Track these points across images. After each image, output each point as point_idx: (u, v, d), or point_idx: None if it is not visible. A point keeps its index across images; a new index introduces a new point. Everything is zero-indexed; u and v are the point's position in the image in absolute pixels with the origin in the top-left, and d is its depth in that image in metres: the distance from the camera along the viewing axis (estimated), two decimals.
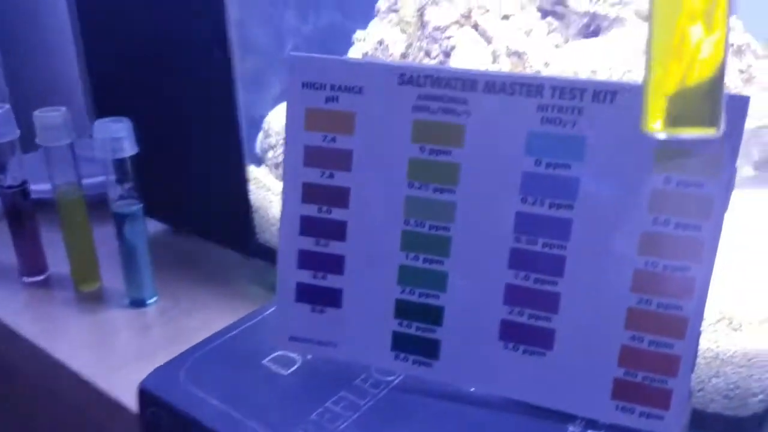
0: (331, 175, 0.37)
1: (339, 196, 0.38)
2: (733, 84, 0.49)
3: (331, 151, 0.37)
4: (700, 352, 0.38)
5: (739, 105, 0.30)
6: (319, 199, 0.38)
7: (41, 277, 0.65)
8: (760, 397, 0.38)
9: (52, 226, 0.62)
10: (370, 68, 0.35)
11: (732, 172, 0.31)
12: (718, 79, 0.24)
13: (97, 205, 0.61)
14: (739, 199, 0.33)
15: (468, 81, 0.34)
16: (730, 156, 0.30)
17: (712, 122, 0.24)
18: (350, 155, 0.37)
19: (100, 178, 0.56)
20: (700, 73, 0.24)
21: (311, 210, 0.38)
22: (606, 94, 0.32)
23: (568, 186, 0.33)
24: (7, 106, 0.59)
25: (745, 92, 0.49)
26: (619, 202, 0.33)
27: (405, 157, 0.36)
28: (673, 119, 0.24)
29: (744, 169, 0.48)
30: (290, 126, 0.37)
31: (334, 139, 0.37)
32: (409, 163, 0.36)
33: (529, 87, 0.33)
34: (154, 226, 0.68)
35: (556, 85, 0.33)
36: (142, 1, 0.59)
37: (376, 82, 0.35)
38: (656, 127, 0.25)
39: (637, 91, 0.32)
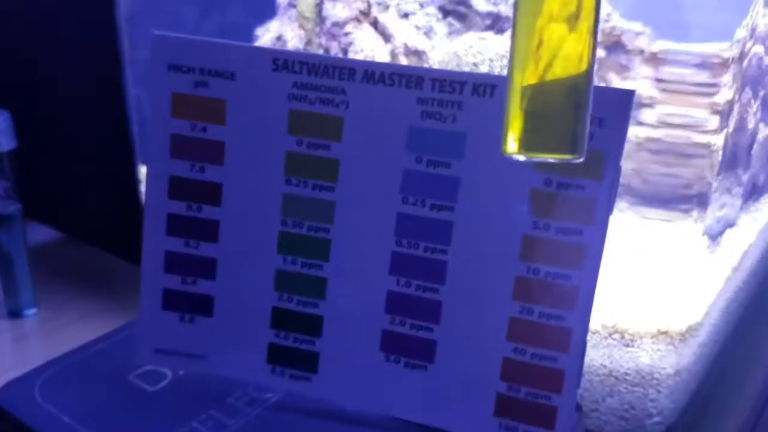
0: (202, 169, 0.34)
1: (210, 192, 0.34)
2: (647, 93, 0.48)
3: (200, 142, 0.34)
4: (593, 369, 0.36)
5: (623, 99, 0.28)
6: (188, 195, 0.34)
7: None
8: (657, 419, 0.36)
9: None
10: (242, 52, 0.32)
11: (616, 173, 0.29)
12: (581, 97, 0.22)
13: None
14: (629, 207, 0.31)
15: (346, 70, 0.31)
16: (614, 155, 0.29)
17: (573, 148, 0.21)
18: (222, 147, 0.34)
19: None
20: (560, 91, 0.21)
21: (179, 207, 0.35)
22: (485, 87, 0.30)
23: (449, 186, 0.31)
24: None
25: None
26: (498, 204, 0.30)
27: (281, 151, 0.33)
28: (529, 142, 0.22)
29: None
30: (155, 113, 0.34)
31: (204, 129, 0.34)
32: (286, 156, 0.33)
33: (409, 78, 0.31)
34: (36, 230, 0.63)
35: (436, 77, 0.30)
36: None
37: (249, 66, 0.32)
38: (512, 149, 0.22)
39: None
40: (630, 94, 0.28)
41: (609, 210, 0.29)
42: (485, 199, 0.31)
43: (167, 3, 0.57)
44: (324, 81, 0.32)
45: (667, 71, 0.41)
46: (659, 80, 0.49)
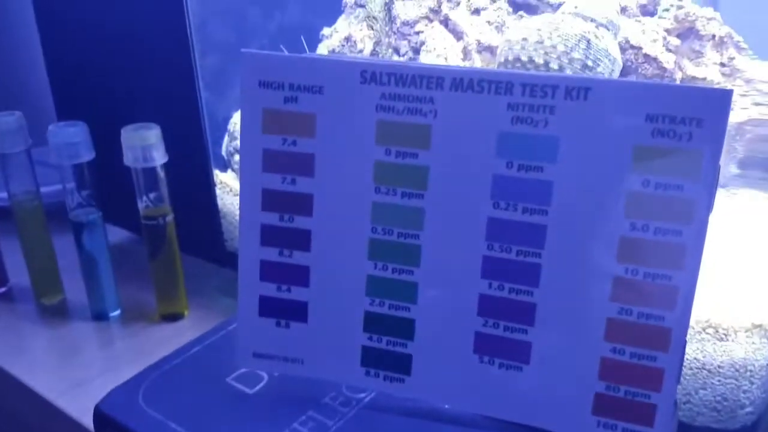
0: (293, 181, 0.35)
1: (302, 203, 0.35)
2: (715, 79, 0.47)
3: (291, 155, 0.35)
4: (685, 363, 0.36)
5: (721, 99, 0.28)
6: (281, 207, 0.35)
7: (2, 290, 0.62)
8: (749, 409, 0.36)
9: (11, 235, 0.60)
10: (330, 66, 0.33)
11: (715, 172, 0.29)
12: None
13: (58, 213, 0.58)
14: (725, 199, 0.31)
15: (434, 78, 0.32)
16: (712, 155, 0.28)
17: None
18: (312, 159, 0.34)
19: (59, 186, 0.54)
20: None
21: (272, 218, 0.36)
22: (579, 90, 0.30)
23: (542, 190, 0.31)
24: None
25: (727, 86, 0.48)
26: (595, 207, 0.30)
27: (370, 161, 0.34)
28: None
29: (729, 167, 0.46)
30: (246, 128, 0.35)
31: (294, 143, 0.34)
32: (375, 166, 0.34)
33: (498, 84, 0.31)
34: (117, 234, 0.65)
35: (527, 82, 0.30)
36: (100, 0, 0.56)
37: (337, 80, 0.33)
38: None
39: (611, 87, 0.30)
40: (728, 94, 0.28)
41: (709, 209, 0.29)
42: (580, 202, 0.31)
43: (233, 4, 0.58)
44: (412, 91, 0.32)
45: None
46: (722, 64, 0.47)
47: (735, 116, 0.45)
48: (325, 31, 0.57)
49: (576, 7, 0.40)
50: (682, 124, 0.28)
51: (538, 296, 0.32)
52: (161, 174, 0.50)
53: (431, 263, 0.34)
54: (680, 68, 0.49)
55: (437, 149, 0.33)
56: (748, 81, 0.47)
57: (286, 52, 0.50)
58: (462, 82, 0.31)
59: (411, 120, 0.33)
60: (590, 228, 0.31)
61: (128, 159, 0.49)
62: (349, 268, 0.35)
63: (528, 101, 0.30)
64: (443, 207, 0.33)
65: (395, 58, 0.50)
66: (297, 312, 0.37)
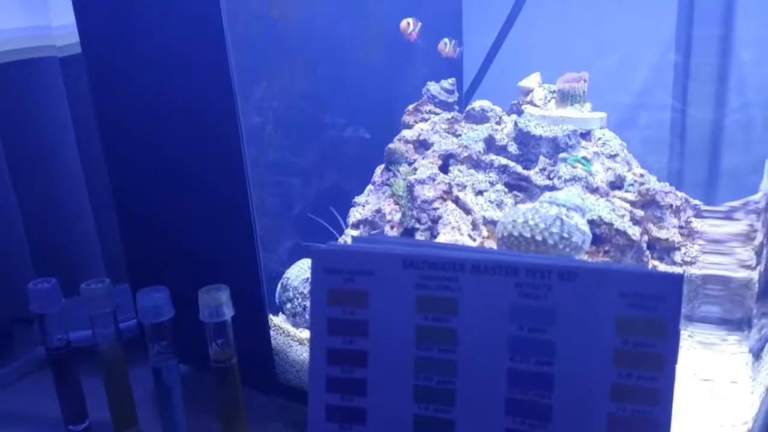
0: (351, 341, 0.45)
1: (359, 358, 0.45)
2: (676, 239, 0.58)
3: (350, 322, 0.44)
4: None
5: (675, 281, 0.38)
6: (342, 362, 0.45)
7: (83, 425, 0.71)
8: None
9: (91, 372, 0.68)
10: (379, 256, 0.44)
11: (677, 334, 0.38)
12: None
13: (132, 346, 0.67)
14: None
15: (458, 264, 0.42)
16: (674, 321, 0.38)
17: None
18: (366, 324, 0.44)
19: (133, 321, 0.63)
20: None
21: (335, 371, 0.45)
22: (569, 274, 0.40)
23: (547, 346, 0.41)
24: (54, 280, 0.66)
25: (688, 246, 0.58)
26: (590, 360, 0.40)
27: (412, 325, 0.44)
28: None
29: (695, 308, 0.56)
30: (315, 302, 0.45)
31: (352, 312, 0.44)
32: (416, 329, 0.44)
33: (507, 268, 0.41)
34: (185, 370, 0.74)
35: (529, 267, 0.41)
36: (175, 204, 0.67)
37: (384, 266, 0.43)
38: None
39: (595, 273, 0.40)
40: (680, 276, 0.38)
41: (675, 360, 0.38)
42: (578, 356, 0.40)
43: (280, 178, 0.70)
44: (442, 272, 0.43)
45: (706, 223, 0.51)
46: (697, 232, 0.58)
47: (698, 270, 0.56)
48: (358, 199, 0.69)
49: (550, 197, 0.52)
50: (649, 299, 0.38)
51: (551, 430, 0.41)
52: (229, 324, 0.60)
53: (464, 404, 0.43)
54: (646, 232, 0.60)
55: (464, 315, 0.43)
56: (705, 239, 0.57)
57: (325, 224, 0.61)
58: (479, 266, 0.42)
59: (442, 294, 0.43)
60: (587, 375, 0.40)
61: (204, 315, 0.59)
62: (398, 411, 0.44)
63: (531, 281, 0.41)
64: (472, 359, 0.43)
65: (417, 225, 0.61)
66: None
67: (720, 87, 0.83)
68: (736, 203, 0.51)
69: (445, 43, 0.86)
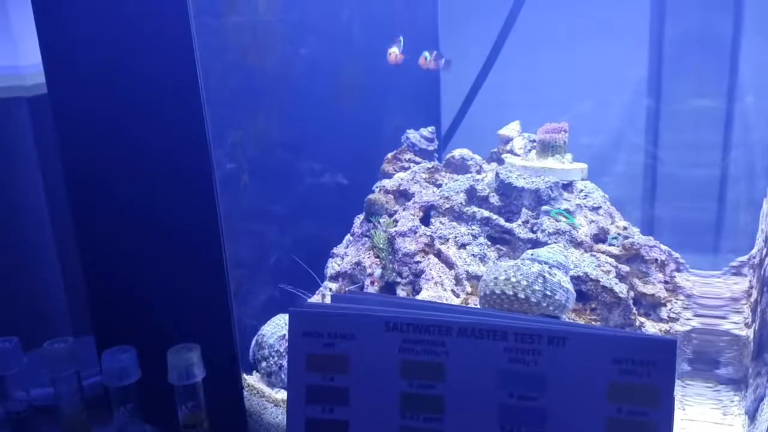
0: (331, 410, 0.42)
1: (338, 429, 0.42)
2: (662, 295, 0.57)
3: (330, 389, 0.42)
4: None
5: (669, 346, 0.36)
6: (321, 430, 0.42)
7: None
8: None
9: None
10: (360, 319, 0.41)
11: (671, 401, 0.36)
12: None
13: (96, 402, 0.63)
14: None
15: (444, 327, 0.40)
16: (667, 388, 0.36)
17: None
18: (347, 392, 0.42)
19: (97, 378, 0.59)
20: None
21: None
22: (558, 339, 0.38)
23: (538, 415, 0.39)
24: (16, 339, 0.62)
25: (672, 300, 0.57)
26: (582, 429, 0.38)
27: (396, 391, 0.41)
28: None
29: (681, 365, 0.54)
30: (292, 368, 0.42)
31: (332, 379, 0.42)
32: (400, 396, 0.41)
33: (495, 332, 0.39)
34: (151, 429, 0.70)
35: (518, 331, 0.39)
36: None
37: (366, 329, 0.41)
38: None
39: (586, 338, 0.38)
40: (674, 341, 0.36)
41: (670, 428, 0.36)
42: (570, 424, 0.38)
43: (254, 226, 0.67)
44: (427, 336, 0.41)
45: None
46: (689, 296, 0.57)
47: (682, 327, 0.55)
48: (336, 250, 0.67)
49: (532, 254, 0.51)
50: (641, 365, 0.36)
51: None
52: (200, 386, 0.57)
53: None
54: (632, 287, 0.59)
55: (450, 381, 0.40)
56: (688, 296, 0.57)
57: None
58: (466, 329, 0.40)
59: (428, 359, 0.41)
60: None
61: (173, 378, 0.56)
62: None
63: (520, 346, 0.39)
64: (460, 429, 0.40)
65: (398, 279, 0.60)
66: None
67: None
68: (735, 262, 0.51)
69: (425, 57, 0.84)
